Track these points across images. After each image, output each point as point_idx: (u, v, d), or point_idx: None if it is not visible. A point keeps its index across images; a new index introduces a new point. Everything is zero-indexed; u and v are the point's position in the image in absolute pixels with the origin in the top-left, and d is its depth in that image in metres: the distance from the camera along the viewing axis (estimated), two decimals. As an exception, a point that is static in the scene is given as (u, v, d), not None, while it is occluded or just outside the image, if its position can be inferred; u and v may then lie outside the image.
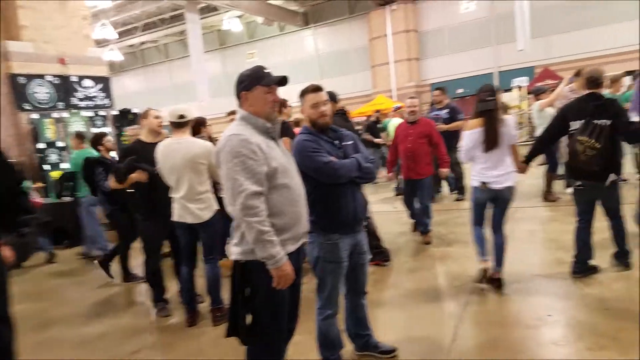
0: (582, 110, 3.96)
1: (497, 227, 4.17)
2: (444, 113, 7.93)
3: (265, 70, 2.44)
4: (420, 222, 5.95)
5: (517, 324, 3.53)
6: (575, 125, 3.94)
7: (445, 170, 5.89)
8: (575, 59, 19.85)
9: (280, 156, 2.42)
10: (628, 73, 12.36)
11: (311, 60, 27.72)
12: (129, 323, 4.50)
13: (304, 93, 2.90)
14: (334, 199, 2.84)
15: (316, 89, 2.87)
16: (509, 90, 18.77)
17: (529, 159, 4.26)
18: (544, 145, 4.57)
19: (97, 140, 6.20)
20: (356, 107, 21.81)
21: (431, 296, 4.28)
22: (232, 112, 5.47)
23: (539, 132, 7.53)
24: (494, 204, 4.14)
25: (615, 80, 8.01)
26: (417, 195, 5.85)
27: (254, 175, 2.23)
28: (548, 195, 7.26)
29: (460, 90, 22.21)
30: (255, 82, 2.40)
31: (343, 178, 2.80)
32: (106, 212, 5.97)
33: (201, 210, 3.96)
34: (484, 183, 4.05)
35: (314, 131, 2.89)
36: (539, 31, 20.05)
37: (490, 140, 3.93)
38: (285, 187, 2.38)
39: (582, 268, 4.21)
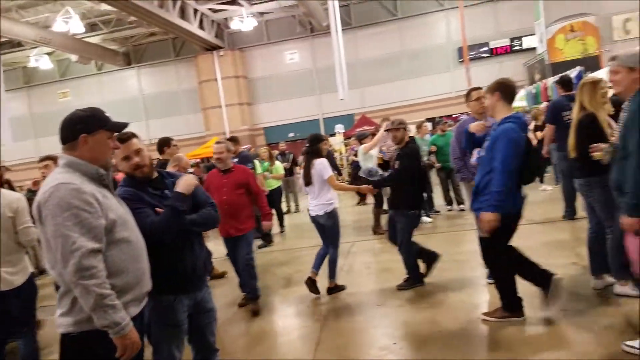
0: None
1: (327, 245, 5.03)
2: (235, 162, 8.00)
3: (106, 114, 2.17)
4: (246, 285, 4.97)
5: (367, 356, 3.63)
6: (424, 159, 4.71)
7: (268, 224, 5.14)
8: (388, 107, 22.70)
9: (117, 207, 2.15)
10: (428, 120, 14.48)
11: (134, 100, 26.37)
12: None
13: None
14: (166, 255, 2.49)
15: (122, 139, 2.48)
16: (333, 135, 20.33)
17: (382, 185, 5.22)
18: (409, 181, 4.97)
19: None
20: (190, 149, 21.30)
21: (284, 338, 4.20)
22: (48, 158, 4.84)
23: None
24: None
25: (419, 126, 9.31)
26: (237, 252, 4.95)
27: (90, 230, 1.93)
28: (377, 229, 7.84)
29: (291, 135, 23.37)
30: (99, 125, 2.11)
31: (170, 234, 2.48)
32: None
33: (12, 275, 3.26)
34: (308, 209, 5.07)
35: (133, 183, 2.53)
36: (355, 83, 22.41)
37: (304, 178, 4.97)
38: (125, 242, 2.11)
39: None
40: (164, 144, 5.70)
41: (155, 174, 2.63)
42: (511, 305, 3.75)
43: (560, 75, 7.96)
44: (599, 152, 3.30)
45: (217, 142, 4.93)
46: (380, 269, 5.99)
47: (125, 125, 2.26)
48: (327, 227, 4.96)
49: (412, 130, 9.53)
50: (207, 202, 2.75)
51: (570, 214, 6.73)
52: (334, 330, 4.18)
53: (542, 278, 3.66)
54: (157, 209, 2.47)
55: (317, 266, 5.01)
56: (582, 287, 4.17)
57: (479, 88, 4.73)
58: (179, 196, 2.50)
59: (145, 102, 26.42)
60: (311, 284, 4.99)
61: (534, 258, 3.73)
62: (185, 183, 2.54)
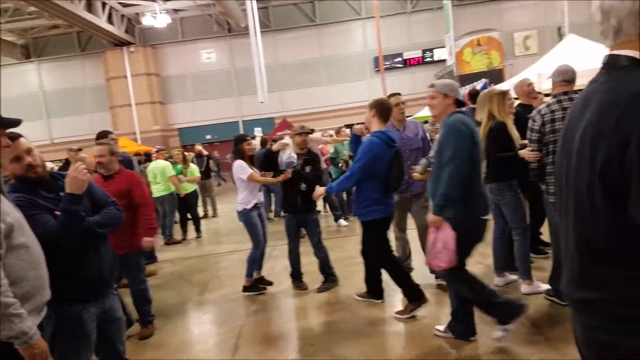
0: None
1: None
2: None
3: None
4: (139, 311, 4.30)
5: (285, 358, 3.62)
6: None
7: (149, 241, 4.18)
8: (307, 112, 22.88)
9: (13, 210, 1.98)
10: (346, 126, 14.73)
11: (35, 97, 24.37)
12: None
13: None
14: (71, 261, 2.31)
15: (10, 139, 2.22)
16: (254, 137, 20.07)
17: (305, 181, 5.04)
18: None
19: None
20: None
21: (200, 347, 4.03)
22: None
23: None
24: None
25: (338, 131, 9.44)
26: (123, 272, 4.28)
27: None
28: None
29: (208, 137, 22.74)
30: None
31: (71, 239, 2.27)
32: None
33: None
34: None
35: (24, 188, 2.29)
36: (275, 86, 22.38)
37: (232, 178, 5.22)
38: (23, 248, 1.95)
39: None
40: (101, 137, 5.38)
41: (48, 176, 2.40)
42: (413, 296, 4.01)
43: (467, 86, 8.50)
44: (416, 172, 3.92)
45: (100, 143, 4.26)
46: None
47: (19, 121, 2.03)
48: (244, 224, 5.09)
49: (334, 135, 9.66)
50: (107, 201, 2.59)
51: None
52: (252, 335, 4.11)
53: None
54: (56, 212, 2.26)
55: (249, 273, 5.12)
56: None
57: (398, 94, 4.72)
58: (70, 197, 2.27)
59: (47, 99, 24.49)
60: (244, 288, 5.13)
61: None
62: (73, 181, 2.28)
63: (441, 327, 3.52)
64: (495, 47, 20.85)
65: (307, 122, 21.09)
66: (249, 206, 4.99)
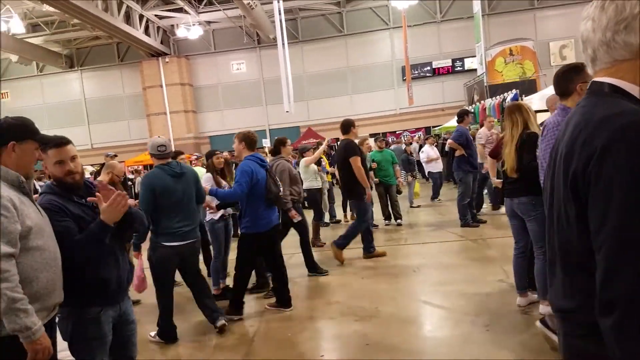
0: None
1: None
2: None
3: (35, 126, 2.25)
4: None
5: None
6: None
7: None
8: (333, 121, 23.03)
9: (35, 214, 2.15)
10: (371, 135, 14.82)
11: (77, 104, 25.50)
12: None
13: (45, 147, 2.38)
14: (92, 266, 2.43)
15: (60, 143, 2.40)
16: (261, 148, 20.33)
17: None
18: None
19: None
20: (133, 155, 20.82)
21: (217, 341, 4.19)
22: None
23: (306, 185, 8.33)
24: None
25: (361, 142, 9.51)
26: None
27: (6, 234, 1.94)
28: (316, 242, 7.99)
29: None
30: (28, 135, 2.18)
31: (95, 251, 2.40)
32: None
33: None
34: None
35: (60, 191, 2.41)
36: (301, 96, 22.76)
37: None
38: (38, 250, 2.09)
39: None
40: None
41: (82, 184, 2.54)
42: (235, 306, 4.69)
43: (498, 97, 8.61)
44: None
45: None
46: (318, 282, 5.90)
47: (57, 139, 2.34)
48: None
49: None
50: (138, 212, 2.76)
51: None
52: (264, 345, 4.15)
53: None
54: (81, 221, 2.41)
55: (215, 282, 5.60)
56: (508, 304, 4.33)
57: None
58: (102, 226, 2.36)
59: (88, 107, 25.59)
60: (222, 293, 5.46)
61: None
62: (111, 212, 2.38)
63: (152, 333, 4.36)
64: (529, 57, 19.96)
65: (332, 132, 21.22)
66: (217, 217, 5.34)
